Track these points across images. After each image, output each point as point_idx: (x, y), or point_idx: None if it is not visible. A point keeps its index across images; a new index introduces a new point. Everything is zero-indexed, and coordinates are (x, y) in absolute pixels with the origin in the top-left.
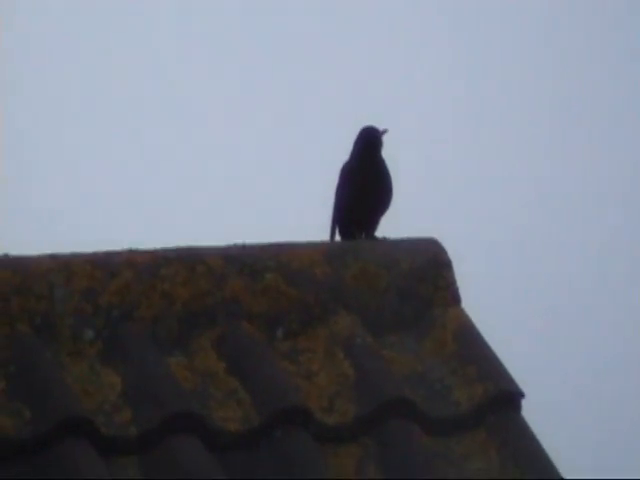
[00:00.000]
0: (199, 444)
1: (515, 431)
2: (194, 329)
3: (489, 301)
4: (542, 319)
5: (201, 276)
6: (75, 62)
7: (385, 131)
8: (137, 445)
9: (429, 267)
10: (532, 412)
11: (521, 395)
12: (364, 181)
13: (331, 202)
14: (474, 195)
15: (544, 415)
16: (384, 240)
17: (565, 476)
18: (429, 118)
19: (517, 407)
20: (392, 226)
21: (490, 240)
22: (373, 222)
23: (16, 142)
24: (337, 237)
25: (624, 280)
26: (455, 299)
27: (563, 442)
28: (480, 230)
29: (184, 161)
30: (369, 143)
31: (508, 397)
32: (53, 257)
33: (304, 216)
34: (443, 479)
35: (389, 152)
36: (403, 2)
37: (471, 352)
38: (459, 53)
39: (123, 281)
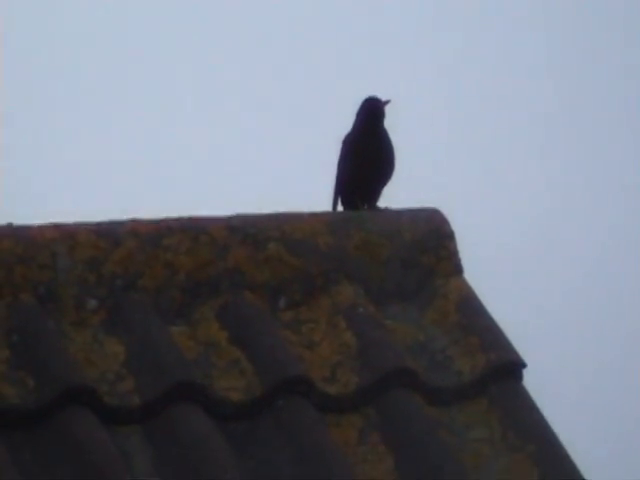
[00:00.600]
0: (202, 413)
1: (517, 401)
2: (197, 299)
3: (491, 271)
4: (544, 289)
5: (204, 246)
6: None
7: (388, 102)
8: (140, 414)
9: (431, 237)
10: (534, 382)
11: (523, 365)
12: (366, 152)
13: (333, 173)
14: (477, 165)
15: (546, 385)
16: (386, 210)
17: (566, 445)
18: (433, 89)
19: (519, 377)
20: (394, 196)
21: (493, 210)
22: (375, 193)
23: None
24: (339, 207)
25: (630, 249)
26: (457, 269)
27: (564, 412)
28: (483, 200)
29: (187, 132)
30: (371, 114)
31: (510, 367)
32: (56, 226)
33: (306, 186)
34: (444, 449)
35: (391, 122)
36: None
37: (473, 322)
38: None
39: (126, 251)
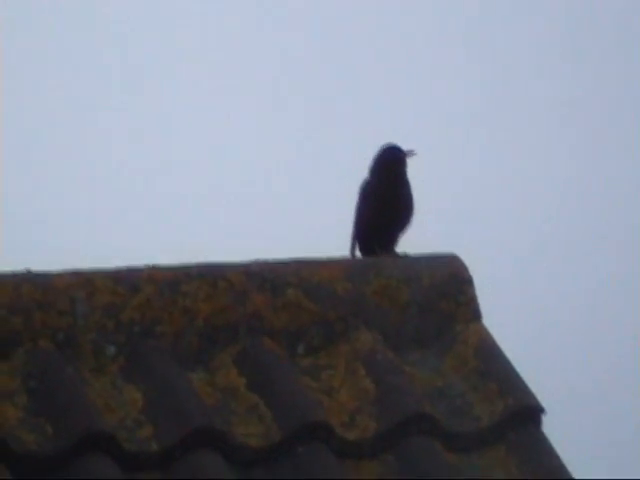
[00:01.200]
0: (221, 460)
1: (536, 446)
2: (215, 345)
3: (510, 317)
4: (564, 334)
5: (222, 292)
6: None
7: (411, 151)
8: (159, 460)
9: (450, 283)
10: (553, 428)
11: (542, 410)
12: (385, 200)
13: (351, 219)
14: (495, 211)
15: (565, 431)
16: (405, 256)
17: None
18: (450, 136)
19: (538, 422)
20: (412, 242)
21: (510, 256)
22: (393, 239)
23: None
24: (357, 253)
25: None
26: (476, 315)
27: (584, 458)
28: (500, 246)
29: (206, 177)
30: (392, 163)
31: (529, 412)
32: (75, 273)
33: (324, 232)
34: None
35: (412, 169)
36: (420, 8)
37: (492, 368)
38: (473, 61)
39: (144, 297)
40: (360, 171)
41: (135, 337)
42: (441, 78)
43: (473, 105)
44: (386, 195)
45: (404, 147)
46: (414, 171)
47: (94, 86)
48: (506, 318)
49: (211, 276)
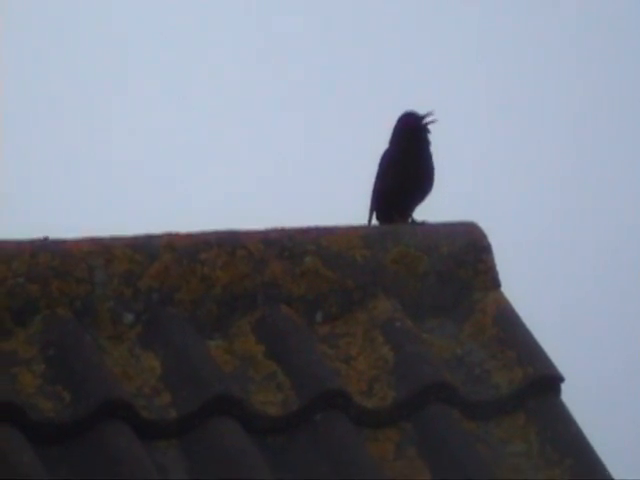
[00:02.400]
0: (239, 427)
1: (554, 415)
2: (233, 312)
3: (529, 285)
4: (583, 301)
5: (241, 260)
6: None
7: (429, 114)
8: (177, 428)
9: (469, 251)
10: (572, 396)
11: (561, 379)
12: (406, 169)
13: (369, 186)
14: (515, 178)
15: (584, 399)
16: (423, 224)
17: (604, 460)
18: (471, 103)
19: (557, 391)
20: (431, 209)
21: (530, 224)
22: (412, 207)
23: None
24: (375, 221)
25: None
26: (495, 283)
27: (603, 426)
28: (520, 213)
29: (226, 145)
30: (409, 129)
31: (548, 381)
32: (93, 240)
33: (342, 201)
34: (481, 463)
35: (434, 135)
36: None
37: (511, 336)
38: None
39: (163, 264)
40: (379, 138)
41: (153, 305)
42: (461, 42)
43: (496, 68)
44: (407, 164)
45: (424, 112)
46: (434, 137)
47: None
48: (526, 286)
49: (229, 244)
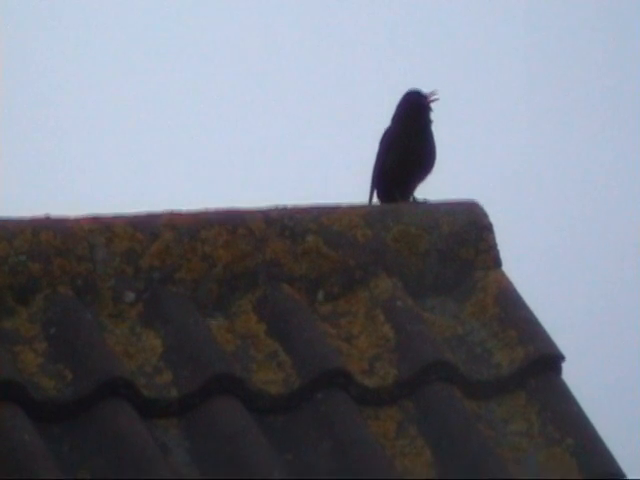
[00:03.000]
0: (240, 406)
1: (556, 394)
2: (235, 291)
3: (530, 264)
4: (584, 281)
5: (242, 238)
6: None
7: (433, 94)
8: (178, 407)
9: (470, 230)
10: (573, 375)
11: (561, 358)
12: (408, 147)
13: (369, 165)
14: (516, 156)
15: (584, 378)
16: (425, 203)
17: (605, 439)
18: (474, 82)
19: (558, 370)
20: (433, 188)
21: (532, 202)
22: (413, 186)
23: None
24: (375, 200)
25: None
26: (496, 262)
27: (603, 405)
28: (521, 193)
29: (228, 123)
30: (413, 108)
31: (549, 360)
32: (94, 218)
33: (343, 179)
34: (482, 442)
35: (436, 114)
36: None
37: (512, 315)
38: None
39: (164, 243)
40: (381, 117)
41: (154, 283)
42: (465, 22)
43: (499, 48)
44: (409, 143)
45: (427, 90)
46: (436, 116)
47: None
48: (527, 265)
49: (231, 222)
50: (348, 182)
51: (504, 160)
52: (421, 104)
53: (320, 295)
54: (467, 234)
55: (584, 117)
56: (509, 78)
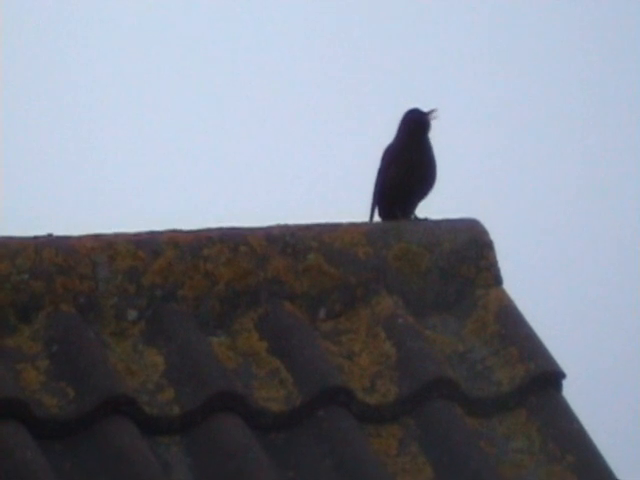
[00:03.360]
0: (241, 424)
1: (556, 411)
2: (236, 309)
3: (531, 282)
4: (585, 299)
5: (244, 256)
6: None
7: (433, 111)
8: (180, 424)
9: (471, 248)
10: (574, 393)
11: (562, 375)
12: (409, 164)
13: (370, 183)
14: (517, 175)
15: (586, 396)
16: (425, 221)
17: (605, 456)
18: (473, 101)
19: (558, 387)
20: (433, 206)
21: (532, 220)
22: (414, 203)
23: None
24: (377, 218)
25: None
26: (497, 280)
27: (604, 422)
28: (522, 211)
29: (228, 142)
30: (414, 126)
31: (549, 377)
32: (96, 237)
33: (343, 197)
34: (484, 459)
35: (435, 132)
36: None
37: (512, 332)
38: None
39: (166, 261)
40: (382, 135)
41: (156, 301)
42: (465, 38)
43: (497, 65)
44: (410, 158)
45: (427, 109)
46: (436, 135)
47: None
48: (527, 283)
49: (232, 240)
50: (349, 200)
51: (504, 177)
52: (422, 121)
53: (322, 313)
54: (468, 252)
55: (587, 134)
56: (510, 95)
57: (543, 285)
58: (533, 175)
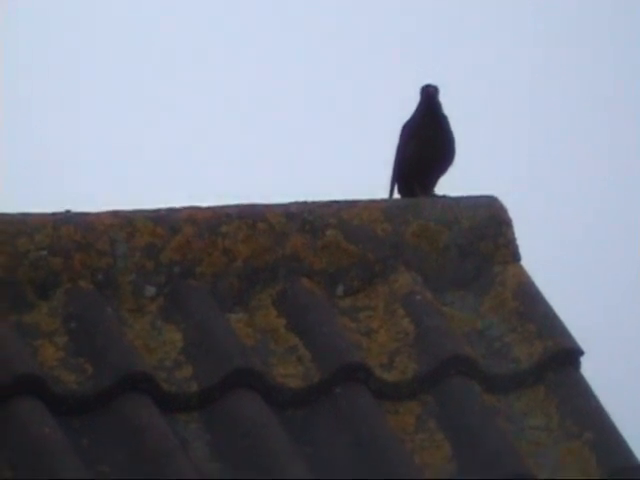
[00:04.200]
0: (259, 400)
1: (574, 388)
2: (254, 286)
3: (550, 259)
4: (603, 277)
5: (262, 233)
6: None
7: (436, 88)
8: (197, 401)
9: (489, 225)
10: (592, 369)
11: (580, 353)
12: (428, 138)
13: (390, 160)
14: (537, 151)
15: (604, 372)
16: (444, 197)
17: (624, 432)
18: (492, 74)
19: (576, 364)
20: (452, 183)
21: (552, 198)
22: (434, 180)
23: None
24: (396, 195)
25: None
26: (515, 257)
27: (623, 399)
28: (541, 188)
29: (247, 118)
30: (430, 100)
31: (567, 354)
32: (115, 213)
33: (361, 175)
34: (501, 436)
35: (451, 109)
36: None
37: (531, 309)
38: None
39: (184, 238)
40: (400, 111)
41: (174, 278)
42: (485, 12)
43: (515, 41)
44: (428, 135)
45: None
46: (453, 110)
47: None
48: (547, 261)
49: (250, 217)
50: (368, 177)
51: (523, 155)
52: (436, 96)
53: (340, 289)
54: (486, 229)
55: (601, 110)
56: (526, 71)
57: (562, 262)
58: (553, 151)
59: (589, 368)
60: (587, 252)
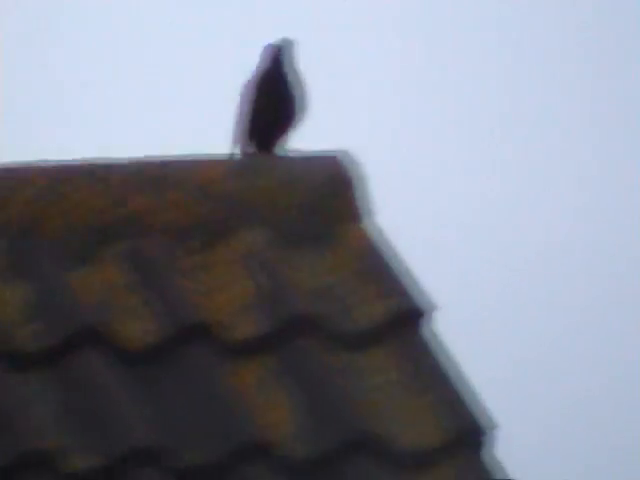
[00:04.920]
0: (103, 359)
1: (416, 348)
2: (97, 245)
3: (408, 216)
4: (468, 233)
5: (104, 192)
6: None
7: (289, 42)
8: (41, 360)
9: (333, 183)
10: (445, 328)
11: (421, 313)
12: (268, 96)
13: (232, 118)
14: (400, 106)
15: (459, 330)
16: (288, 156)
17: (471, 392)
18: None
19: (418, 325)
20: (304, 139)
21: (414, 153)
22: (277, 138)
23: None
24: (238, 153)
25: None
26: (358, 216)
27: (479, 359)
28: (401, 144)
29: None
30: (273, 57)
31: (409, 315)
32: None
33: (204, 132)
34: (343, 395)
35: (307, 65)
36: None
37: (373, 270)
38: None
39: (29, 195)
40: (243, 71)
41: (17, 235)
42: None
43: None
44: (271, 91)
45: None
46: (306, 66)
47: None
48: (407, 216)
49: (92, 175)
50: (211, 135)
51: (393, 109)
52: (279, 53)
53: (182, 249)
54: (328, 188)
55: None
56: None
57: (421, 221)
58: (418, 107)
59: (443, 326)
60: (459, 212)
